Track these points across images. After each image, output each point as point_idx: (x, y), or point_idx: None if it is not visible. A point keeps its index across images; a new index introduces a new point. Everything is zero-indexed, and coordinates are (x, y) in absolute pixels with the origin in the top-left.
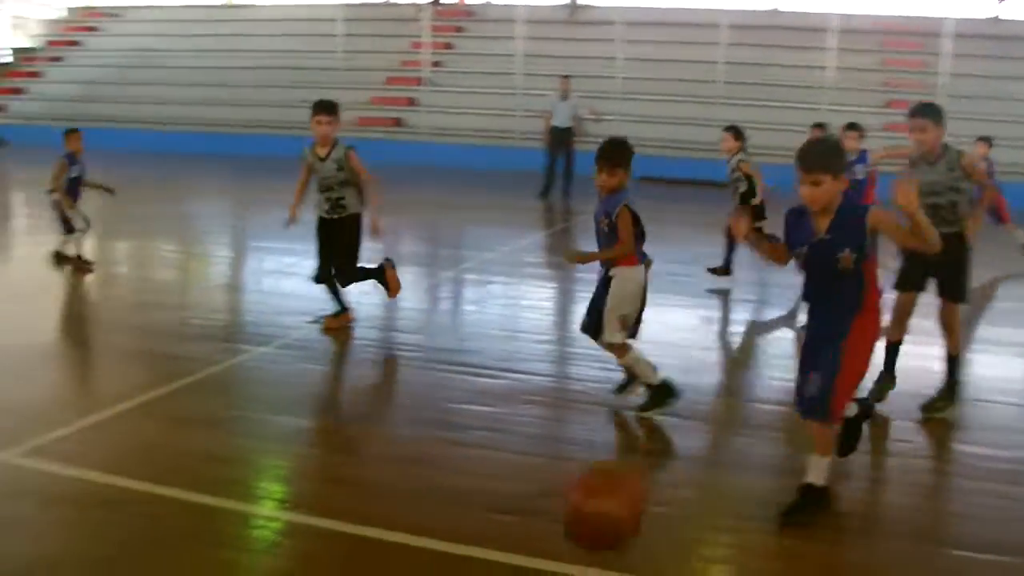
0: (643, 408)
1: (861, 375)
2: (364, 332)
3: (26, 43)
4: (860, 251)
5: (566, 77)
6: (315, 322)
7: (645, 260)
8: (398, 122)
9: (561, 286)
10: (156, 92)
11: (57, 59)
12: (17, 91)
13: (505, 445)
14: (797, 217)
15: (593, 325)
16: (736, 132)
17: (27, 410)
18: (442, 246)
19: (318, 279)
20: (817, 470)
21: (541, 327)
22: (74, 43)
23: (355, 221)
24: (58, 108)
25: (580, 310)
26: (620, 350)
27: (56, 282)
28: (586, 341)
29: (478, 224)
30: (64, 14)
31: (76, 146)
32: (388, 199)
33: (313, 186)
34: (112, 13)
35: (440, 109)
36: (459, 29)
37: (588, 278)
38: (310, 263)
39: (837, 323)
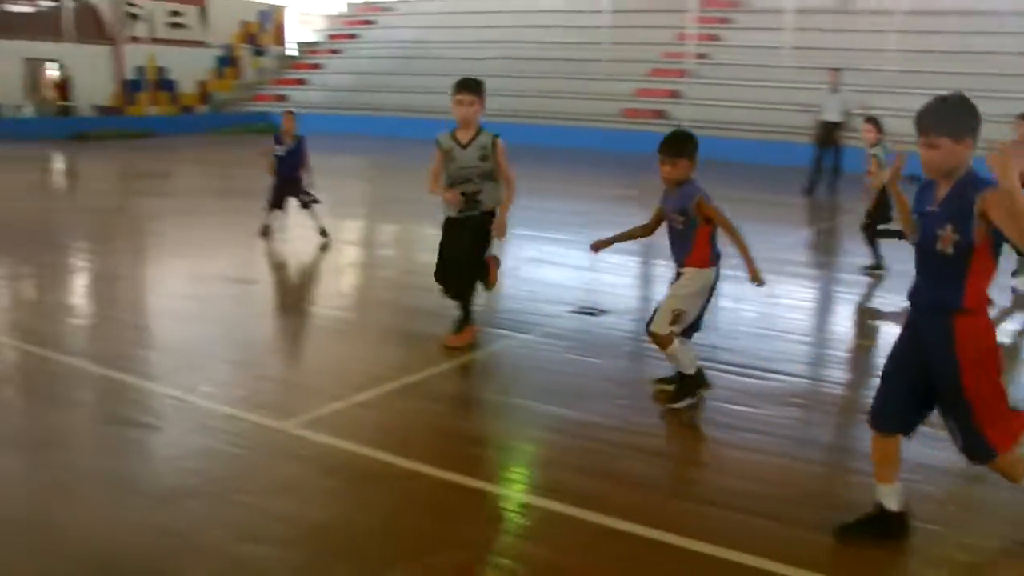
0: (672, 400)
1: (999, 390)
2: (623, 324)
3: (310, 37)
4: (963, 235)
5: (836, 70)
6: (580, 312)
7: (718, 260)
8: (661, 114)
9: (824, 287)
10: (426, 82)
11: (336, 51)
12: (300, 82)
13: (767, 447)
14: (926, 185)
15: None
16: (876, 123)
17: (305, 384)
18: None
19: (441, 282)
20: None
21: (803, 328)
22: (352, 36)
23: (487, 219)
24: (336, 98)
25: (844, 311)
26: (664, 340)
27: (328, 262)
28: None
29: (739, 219)
30: (344, 9)
31: (285, 126)
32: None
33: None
34: (387, 7)
35: (704, 101)
36: (726, 20)
37: (852, 279)
38: (573, 252)
39: (931, 323)
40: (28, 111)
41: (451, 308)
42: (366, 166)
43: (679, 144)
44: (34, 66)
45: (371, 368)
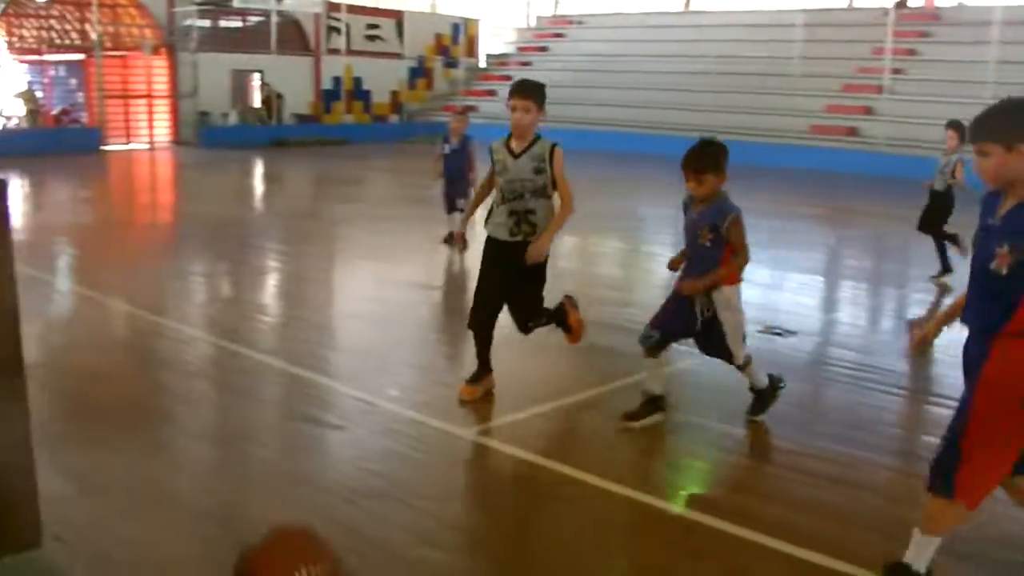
0: (754, 412)
1: (1006, 438)
2: (809, 345)
3: (500, 49)
4: (1020, 255)
5: None
6: (767, 332)
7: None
8: (853, 131)
9: None
10: (614, 95)
11: (526, 64)
12: (490, 93)
13: None
14: (992, 195)
15: (708, 347)
16: (959, 128)
17: (489, 392)
18: (888, 260)
19: (475, 323)
20: (918, 549)
21: None
22: (542, 49)
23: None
24: None
25: None
26: (747, 362)
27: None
28: None
29: (929, 240)
30: (534, 22)
31: (453, 126)
32: (839, 208)
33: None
34: (577, 20)
35: (899, 119)
36: (924, 34)
37: None
38: (759, 270)
39: (977, 344)
40: (233, 119)
41: (638, 322)
42: None
43: (702, 159)
44: (240, 77)
45: (552, 380)
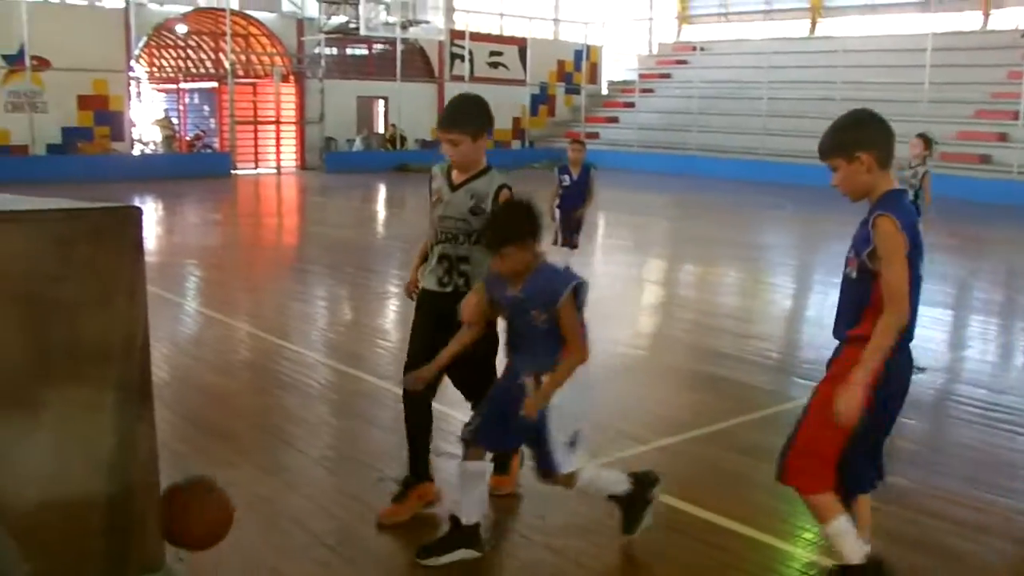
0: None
1: (837, 433)
2: (938, 382)
3: (622, 76)
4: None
5: None
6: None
7: None
8: (985, 159)
9: None
10: (737, 122)
11: (648, 91)
12: (612, 120)
13: None
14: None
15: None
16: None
17: (607, 425)
18: (1021, 293)
19: (407, 401)
20: (833, 542)
21: None
22: (665, 75)
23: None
24: (645, 136)
25: None
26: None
27: (629, 301)
28: None
29: None
30: (656, 49)
31: (571, 156)
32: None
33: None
34: (700, 47)
35: None
36: None
37: None
38: None
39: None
40: (358, 144)
41: (762, 353)
42: (669, 204)
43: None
44: (366, 103)
45: (674, 412)
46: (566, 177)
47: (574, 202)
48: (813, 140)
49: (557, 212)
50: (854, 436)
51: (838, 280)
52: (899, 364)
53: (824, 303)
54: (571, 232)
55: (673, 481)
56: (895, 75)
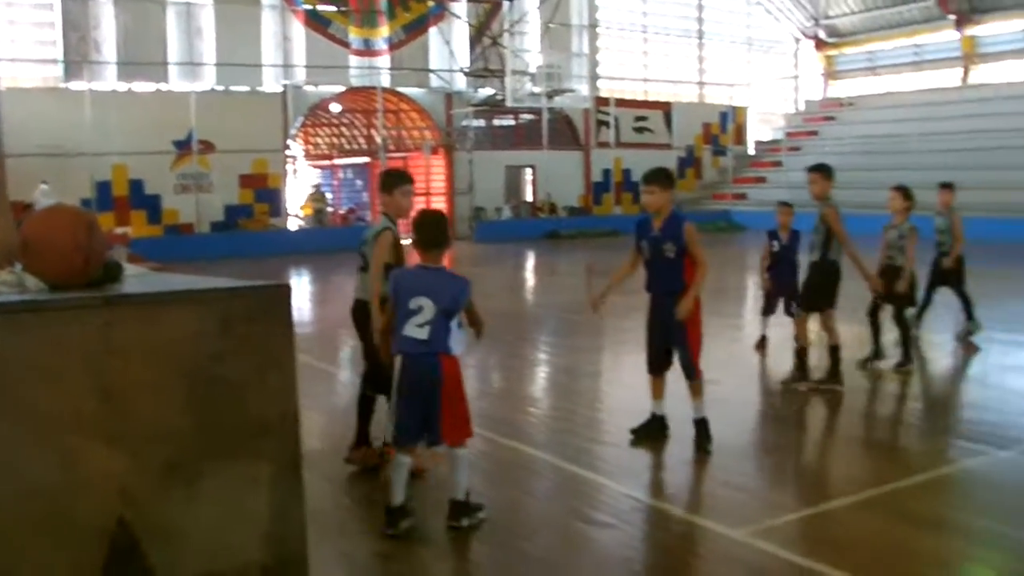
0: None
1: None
2: None
3: (770, 136)
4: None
5: None
6: None
7: None
8: None
9: None
10: (889, 176)
11: (795, 149)
12: (759, 180)
13: None
14: (643, 223)
15: None
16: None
17: (761, 491)
18: None
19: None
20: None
21: None
22: (812, 133)
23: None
24: (794, 195)
25: None
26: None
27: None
28: None
29: None
30: (803, 107)
31: (780, 220)
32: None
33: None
34: (848, 103)
35: None
36: None
37: None
38: None
39: (664, 299)
40: (507, 213)
41: (917, 416)
42: None
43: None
44: (514, 172)
45: (828, 475)
46: (775, 243)
47: (789, 269)
48: (972, 192)
49: (767, 278)
50: None
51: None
52: None
53: (995, 361)
54: (779, 298)
55: (830, 549)
56: None
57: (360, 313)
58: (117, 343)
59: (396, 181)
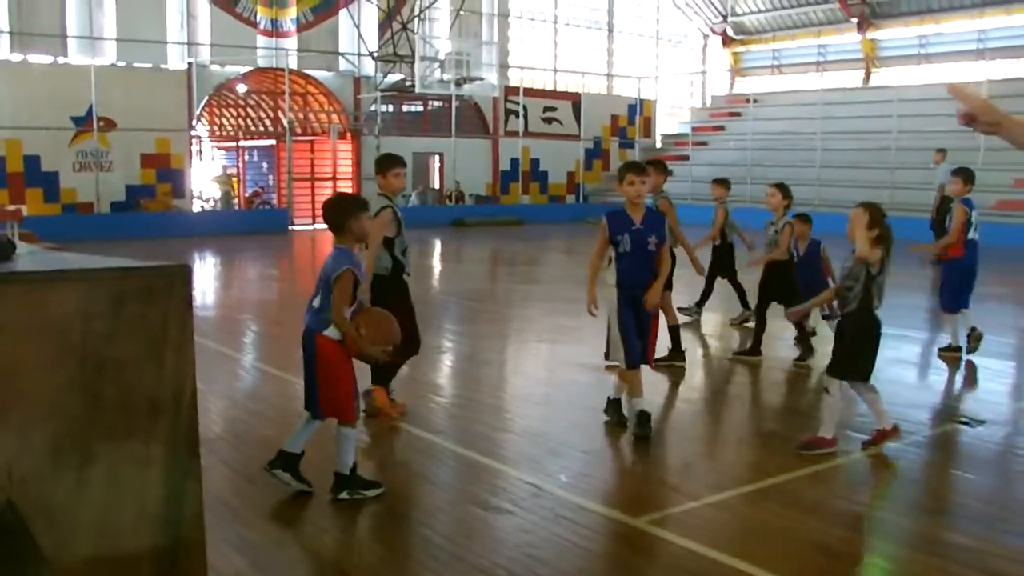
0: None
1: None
2: (999, 436)
3: (676, 129)
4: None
5: None
6: (955, 421)
7: None
8: None
9: None
10: (791, 173)
11: (702, 143)
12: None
13: None
14: (616, 216)
15: None
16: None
17: (659, 479)
18: None
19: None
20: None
21: None
22: (718, 128)
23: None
24: (699, 188)
25: None
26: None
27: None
28: None
29: None
30: (710, 102)
31: (799, 230)
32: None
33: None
34: (753, 99)
35: None
36: None
37: None
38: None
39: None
40: (414, 200)
41: (813, 408)
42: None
43: None
44: (422, 159)
45: (726, 467)
46: (793, 252)
47: (807, 279)
48: (869, 190)
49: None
50: None
51: (908, 331)
52: None
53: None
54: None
55: (724, 537)
56: (951, 124)
57: (376, 288)
58: (5, 321)
59: (389, 164)
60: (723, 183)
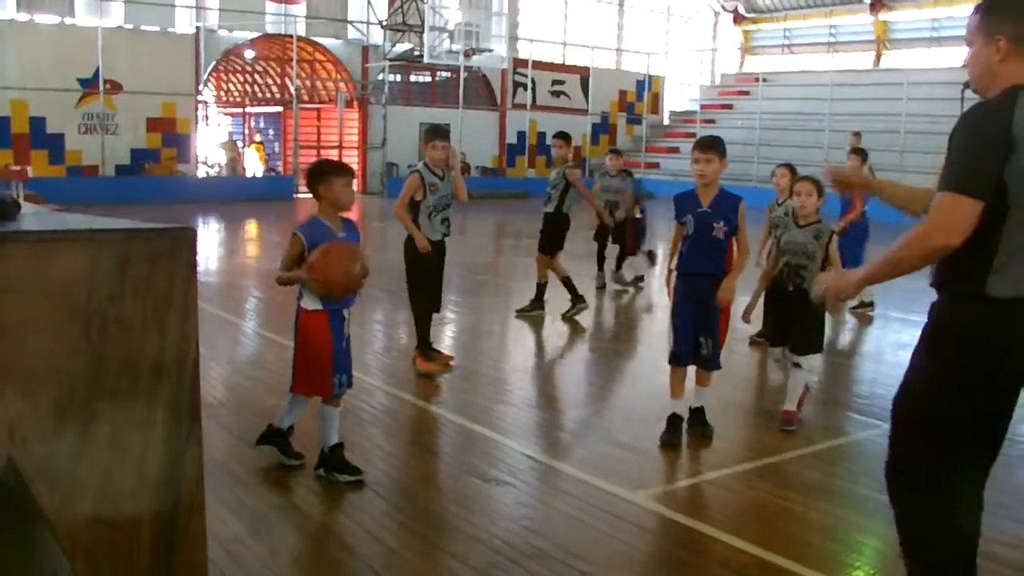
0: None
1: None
2: None
3: (685, 106)
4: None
5: None
6: None
7: None
8: None
9: None
10: (798, 153)
11: (710, 121)
12: (672, 150)
13: None
14: (685, 197)
15: None
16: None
17: (660, 456)
18: None
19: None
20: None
21: None
22: (727, 106)
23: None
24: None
25: None
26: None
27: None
28: None
29: None
30: (719, 80)
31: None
32: None
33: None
34: (763, 78)
35: None
36: None
37: None
38: None
39: (707, 281)
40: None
41: (815, 390)
42: None
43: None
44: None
45: (725, 446)
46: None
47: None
48: (878, 174)
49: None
50: None
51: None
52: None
53: (885, 339)
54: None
55: (721, 514)
56: (960, 108)
57: (406, 250)
58: (10, 280)
59: (429, 136)
60: (565, 138)
